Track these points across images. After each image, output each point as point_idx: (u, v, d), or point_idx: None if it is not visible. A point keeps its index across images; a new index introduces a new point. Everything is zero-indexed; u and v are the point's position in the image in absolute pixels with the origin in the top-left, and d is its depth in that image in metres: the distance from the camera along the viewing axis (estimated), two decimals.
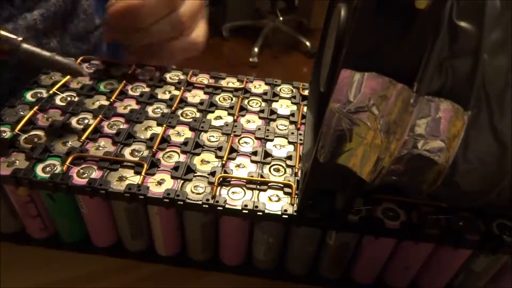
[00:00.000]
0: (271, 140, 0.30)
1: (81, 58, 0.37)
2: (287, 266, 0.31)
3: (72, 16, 0.42)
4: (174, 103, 0.33)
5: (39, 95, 0.32)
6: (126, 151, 0.28)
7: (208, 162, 0.28)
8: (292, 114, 0.33)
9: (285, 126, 0.32)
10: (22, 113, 0.30)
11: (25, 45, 0.27)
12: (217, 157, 0.28)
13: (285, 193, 0.26)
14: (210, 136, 0.30)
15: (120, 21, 0.33)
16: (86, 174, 0.26)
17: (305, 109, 0.33)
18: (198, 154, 0.29)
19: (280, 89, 0.36)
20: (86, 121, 0.30)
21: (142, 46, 0.35)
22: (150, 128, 0.30)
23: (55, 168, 0.26)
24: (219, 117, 0.32)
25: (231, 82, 0.36)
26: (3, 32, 0.26)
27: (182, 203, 0.25)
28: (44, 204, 0.29)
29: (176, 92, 0.34)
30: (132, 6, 0.32)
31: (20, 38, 0.27)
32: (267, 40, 1.73)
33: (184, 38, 0.36)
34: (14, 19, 0.36)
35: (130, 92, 0.34)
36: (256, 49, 1.64)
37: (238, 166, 0.28)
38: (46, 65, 0.29)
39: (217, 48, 1.74)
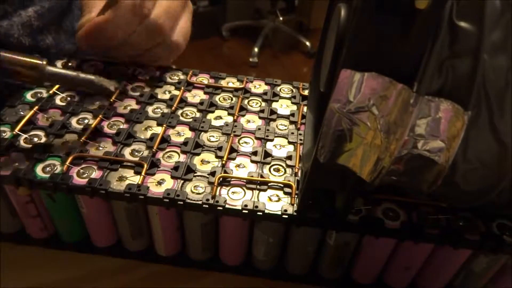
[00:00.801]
0: (271, 140, 0.30)
1: (81, 59, 0.37)
2: (287, 266, 0.31)
3: (67, 12, 0.42)
4: (174, 103, 0.33)
5: (39, 95, 0.32)
6: (126, 151, 0.28)
7: (208, 162, 0.28)
8: (292, 114, 0.33)
9: (285, 126, 0.32)
10: (22, 113, 0.30)
11: (49, 68, 0.26)
12: (217, 157, 0.28)
13: (285, 193, 0.26)
14: (210, 136, 0.30)
15: (93, 42, 0.32)
16: (86, 174, 0.26)
17: (305, 109, 0.33)
18: (198, 154, 0.29)
19: (280, 89, 0.36)
20: (86, 121, 0.30)
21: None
22: (150, 128, 0.30)
23: (55, 168, 0.26)
24: (219, 117, 0.32)
25: (231, 82, 0.36)
26: (29, 59, 0.26)
27: (182, 203, 0.25)
28: (44, 204, 0.29)
29: (176, 92, 0.34)
30: (98, 25, 0.31)
31: (44, 62, 0.26)
32: (267, 40, 1.73)
33: (165, 42, 0.35)
34: (9, 16, 0.36)
35: (130, 92, 0.34)
36: (256, 49, 1.64)
37: (238, 166, 0.28)
38: (71, 85, 0.27)
39: (217, 48, 1.74)
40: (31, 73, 0.26)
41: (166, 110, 0.32)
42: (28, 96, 0.32)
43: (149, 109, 0.32)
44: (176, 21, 0.36)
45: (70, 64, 0.35)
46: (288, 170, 0.28)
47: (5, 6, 0.35)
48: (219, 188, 0.26)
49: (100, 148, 0.28)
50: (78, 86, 0.27)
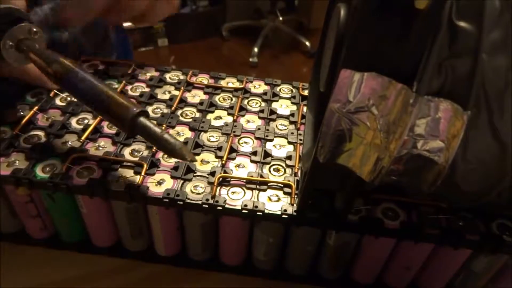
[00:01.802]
0: (271, 140, 0.30)
1: (82, 58, 0.37)
2: (287, 266, 0.31)
3: None
4: (174, 103, 0.33)
5: (39, 95, 0.32)
6: (126, 151, 0.28)
7: (208, 162, 0.28)
8: (292, 114, 0.33)
9: (285, 126, 0.32)
10: (22, 113, 0.30)
11: (141, 119, 0.24)
12: (217, 157, 0.28)
13: (285, 193, 0.26)
14: (210, 136, 0.30)
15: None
16: (86, 174, 0.26)
17: (305, 109, 0.33)
18: (198, 154, 0.29)
19: (280, 89, 0.36)
20: (86, 121, 0.30)
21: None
22: None
23: (55, 168, 0.26)
24: (219, 117, 0.32)
25: (231, 82, 0.36)
26: (126, 102, 0.24)
27: (182, 203, 0.25)
28: (44, 204, 0.29)
29: (176, 92, 0.34)
30: None
31: (137, 110, 0.23)
32: (267, 40, 1.73)
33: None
34: (25, 16, 0.36)
35: (130, 92, 0.34)
36: (256, 49, 1.64)
37: (238, 166, 0.28)
38: (151, 140, 0.24)
39: (217, 48, 1.74)
40: (119, 125, 0.24)
41: (166, 110, 0.32)
42: (28, 96, 0.32)
43: (149, 109, 0.32)
44: None
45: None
46: (288, 170, 0.28)
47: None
48: (219, 188, 0.26)
49: (100, 148, 0.28)
50: (156, 143, 0.24)
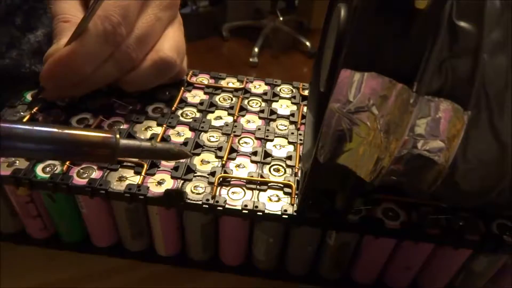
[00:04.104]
0: (271, 140, 0.30)
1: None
2: (287, 266, 0.31)
3: None
4: (174, 103, 0.33)
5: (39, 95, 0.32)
6: None
7: (208, 162, 0.28)
8: (292, 114, 0.33)
9: (285, 126, 0.32)
10: (22, 113, 0.30)
11: (123, 142, 0.22)
12: (217, 157, 0.28)
13: (285, 193, 0.26)
14: (210, 136, 0.30)
15: (58, 80, 0.28)
16: (86, 174, 0.26)
17: (305, 109, 0.33)
18: (198, 154, 0.29)
19: (280, 89, 0.36)
20: (86, 121, 0.30)
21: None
22: (150, 128, 0.30)
23: (55, 168, 0.26)
24: (219, 117, 0.32)
25: (231, 82, 0.36)
26: (97, 134, 0.22)
27: (182, 203, 0.25)
28: (44, 204, 0.29)
29: (176, 92, 0.34)
30: (62, 59, 0.26)
31: (116, 136, 0.22)
32: (267, 40, 1.73)
33: (147, 59, 0.30)
34: (17, 43, 0.33)
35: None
36: (256, 49, 1.64)
37: (238, 166, 0.28)
38: (148, 156, 0.24)
39: (217, 48, 1.74)
40: (101, 151, 0.21)
41: (166, 110, 0.32)
42: (28, 96, 0.32)
43: (149, 109, 0.32)
44: (157, 33, 0.31)
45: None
46: (288, 170, 0.28)
47: (11, 30, 0.33)
48: (219, 188, 0.26)
49: None
50: (153, 157, 0.23)
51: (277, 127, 0.32)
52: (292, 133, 0.31)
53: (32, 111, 0.30)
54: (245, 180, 0.27)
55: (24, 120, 0.29)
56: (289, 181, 0.27)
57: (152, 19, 0.29)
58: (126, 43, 0.28)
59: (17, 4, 0.32)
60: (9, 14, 0.32)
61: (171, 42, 0.31)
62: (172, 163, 0.27)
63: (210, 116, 0.32)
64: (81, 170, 0.26)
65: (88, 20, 0.26)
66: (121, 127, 0.30)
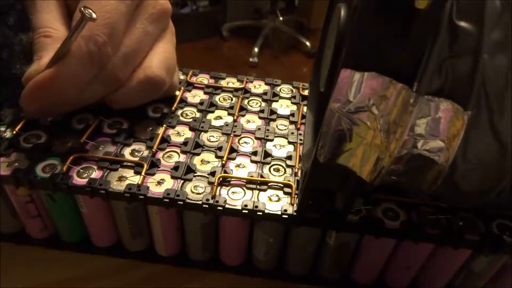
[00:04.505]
0: (271, 140, 0.30)
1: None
2: (287, 266, 0.31)
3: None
4: (175, 103, 0.33)
5: None
6: (126, 151, 0.28)
7: (208, 162, 0.28)
8: (292, 114, 0.33)
9: (285, 126, 0.32)
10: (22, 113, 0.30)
11: None
12: (217, 157, 0.28)
13: (285, 193, 0.26)
14: (210, 136, 0.30)
15: (39, 103, 0.26)
16: (86, 174, 0.26)
17: (305, 109, 0.33)
18: (198, 154, 0.29)
19: (280, 89, 0.36)
20: (86, 121, 0.30)
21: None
22: (150, 128, 0.30)
23: (55, 168, 0.26)
24: (219, 117, 0.32)
25: (231, 82, 0.36)
26: None
27: (182, 203, 0.25)
28: (44, 204, 0.29)
29: (176, 92, 0.34)
30: (43, 83, 0.24)
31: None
32: (267, 40, 1.73)
33: (133, 77, 0.28)
34: (9, 43, 0.32)
35: None
36: (256, 49, 1.64)
37: (238, 166, 0.28)
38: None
39: (217, 48, 1.74)
40: None
41: (166, 110, 0.32)
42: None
43: (149, 109, 0.32)
44: (145, 48, 0.29)
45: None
46: (288, 170, 0.28)
47: (4, 30, 0.32)
48: (219, 188, 0.26)
49: (100, 148, 0.28)
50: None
51: (277, 127, 0.32)
52: (292, 133, 0.31)
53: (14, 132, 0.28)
54: (245, 180, 0.27)
55: (24, 120, 0.29)
56: (289, 181, 0.27)
57: (141, 34, 0.28)
58: (113, 62, 0.26)
59: (10, 3, 0.32)
60: (1, 14, 0.32)
61: (160, 58, 0.29)
62: (172, 163, 0.27)
63: (210, 116, 0.32)
64: (81, 170, 0.26)
65: (72, 42, 0.24)
66: (121, 127, 0.30)
